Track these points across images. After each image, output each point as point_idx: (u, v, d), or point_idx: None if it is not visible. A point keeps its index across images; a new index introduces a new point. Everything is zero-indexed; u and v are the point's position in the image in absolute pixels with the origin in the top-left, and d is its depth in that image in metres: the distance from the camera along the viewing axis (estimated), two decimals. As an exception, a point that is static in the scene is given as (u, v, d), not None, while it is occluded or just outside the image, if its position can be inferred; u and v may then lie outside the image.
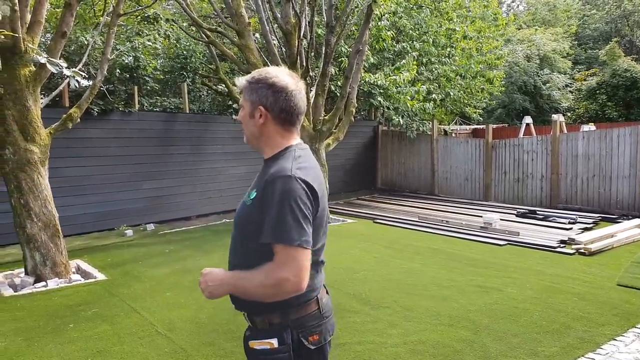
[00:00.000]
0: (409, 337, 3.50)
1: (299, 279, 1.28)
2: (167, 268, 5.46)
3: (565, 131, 10.43)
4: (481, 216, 7.72)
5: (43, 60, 3.70)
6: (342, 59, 10.00)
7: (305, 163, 1.41)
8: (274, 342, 1.37)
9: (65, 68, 3.82)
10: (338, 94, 8.94)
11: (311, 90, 8.17)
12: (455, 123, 15.85)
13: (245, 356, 1.49)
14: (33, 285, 4.75)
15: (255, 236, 1.36)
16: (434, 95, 11.35)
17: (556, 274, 5.02)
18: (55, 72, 3.67)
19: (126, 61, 7.98)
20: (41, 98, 5.07)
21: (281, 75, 1.44)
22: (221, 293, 1.42)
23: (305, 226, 1.30)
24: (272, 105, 1.42)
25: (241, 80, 1.49)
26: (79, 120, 5.36)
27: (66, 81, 5.61)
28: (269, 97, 1.42)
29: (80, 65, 5.20)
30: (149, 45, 8.31)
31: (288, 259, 1.28)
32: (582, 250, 5.85)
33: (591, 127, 12.02)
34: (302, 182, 1.33)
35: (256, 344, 1.40)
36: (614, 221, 7.60)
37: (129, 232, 7.36)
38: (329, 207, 8.30)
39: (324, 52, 7.63)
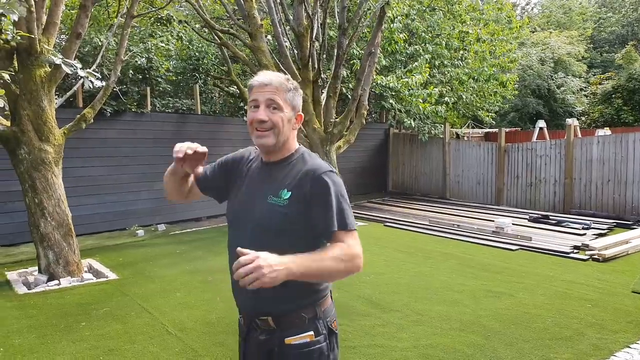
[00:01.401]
0: (419, 341, 3.46)
1: (362, 257, 1.41)
2: (178, 268, 5.49)
3: (580, 135, 10.28)
4: (493, 221, 7.64)
5: (58, 61, 3.76)
6: (354, 61, 9.99)
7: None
8: (311, 333, 1.46)
9: (80, 69, 3.88)
10: (349, 97, 8.93)
11: (322, 92, 8.17)
12: (468, 126, 15.72)
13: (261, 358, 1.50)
14: (46, 283, 4.82)
15: (293, 233, 1.42)
16: (446, 98, 11.27)
17: (569, 280, 4.94)
18: (70, 72, 3.73)
19: (139, 62, 8.07)
20: (56, 98, 5.14)
21: None
22: (285, 278, 1.28)
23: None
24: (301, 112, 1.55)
25: (278, 81, 1.46)
26: (92, 120, 5.42)
27: (80, 82, 5.68)
28: (301, 105, 1.55)
29: (94, 66, 5.27)
30: (162, 46, 8.41)
31: (354, 241, 1.40)
32: (596, 257, 5.75)
33: (606, 131, 11.83)
34: (339, 176, 1.49)
35: (294, 339, 1.46)
36: (629, 227, 7.47)
37: (140, 232, 7.42)
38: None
39: (335, 54, 7.62)
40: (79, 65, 3.97)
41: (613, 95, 18.00)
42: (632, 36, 23.33)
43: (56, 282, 4.82)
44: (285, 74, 1.62)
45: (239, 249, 1.29)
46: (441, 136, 11.20)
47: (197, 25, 9.96)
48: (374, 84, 9.58)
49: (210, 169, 1.69)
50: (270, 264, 1.25)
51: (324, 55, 8.21)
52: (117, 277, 5.14)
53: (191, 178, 1.69)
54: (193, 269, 5.44)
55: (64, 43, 5.51)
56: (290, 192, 1.43)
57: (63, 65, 3.77)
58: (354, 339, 3.49)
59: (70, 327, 3.76)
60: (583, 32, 23.89)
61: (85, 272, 5.24)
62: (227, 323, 3.81)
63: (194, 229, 7.94)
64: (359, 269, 1.41)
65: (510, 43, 13.71)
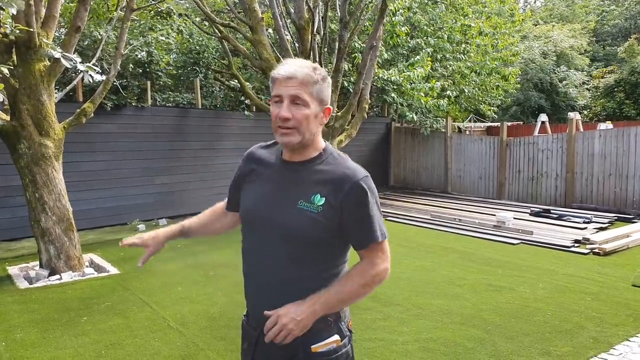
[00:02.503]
0: (420, 334, 3.47)
1: (390, 266, 1.38)
2: (179, 263, 5.50)
3: (582, 129, 10.24)
4: (494, 215, 7.63)
5: (57, 55, 3.74)
6: (356, 54, 9.93)
7: None
8: (337, 338, 1.38)
9: (79, 63, 3.86)
10: (351, 90, 8.90)
11: (323, 86, 8.13)
12: (470, 120, 15.67)
13: None
14: (47, 278, 4.83)
15: (327, 244, 1.34)
16: (448, 92, 11.22)
17: (570, 273, 4.94)
18: (70, 66, 3.71)
19: (139, 56, 8.03)
20: (55, 93, 5.13)
21: None
22: (312, 320, 1.31)
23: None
24: (331, 106, 1.40)
25: (304, 72, 1.31)
26: (92, 115, 5.41)
27: (80, 76, 5.66)
28: (330, 97, 1.38)
29: (94, 60, 5.25)
30: (162, 40, 8.36)
31: (384, 252, 1.37)
32: (596, 250, 5.75)
33: (608, 125, 11.78)
34: (371, 180, 1.38)
35: (320, 347, 1.36)
36: (630, 221, 7.46)
37: (142, 226, 7.43)
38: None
39: (337, 47, 7.58)
40: (79, 59, 3.95)
41: (615, 89, 17.91)
42: (635, 29, 23.15)
43: (57, 276, 4.84)
44: (314, 62, 1.49)
45: (265, 312, 1.32)
46: (443, 130, 11.16)
47: (197, 19, 9.90)
48: (376, 77, 9.54)
49: (231, 191, 1.60)
50: (294, 318, 1.28)
51: (326, 49, 8.16)
52: (118, 271, 5.15)
53: (211, 219, 1.69)
54: (194, 264, 5.45)
55: (63, 37, 5.47)
56: (324, 198, 1.31)
57: (62, 59, 3.75)
58: (355, 332, 3.50)
59: (72, 321, 3.78)
60: (586, 25, 23.72)
61: (87, 266, 5.25)
62: (228, 317, 3.82)
63: (195, 224, 7.94)
64: (385, 279, 1.39)
65: (513, 36, 13.63)
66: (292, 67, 1.32)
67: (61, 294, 4.42)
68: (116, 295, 4.38)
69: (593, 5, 26.26)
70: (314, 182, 1.34)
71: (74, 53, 4.74)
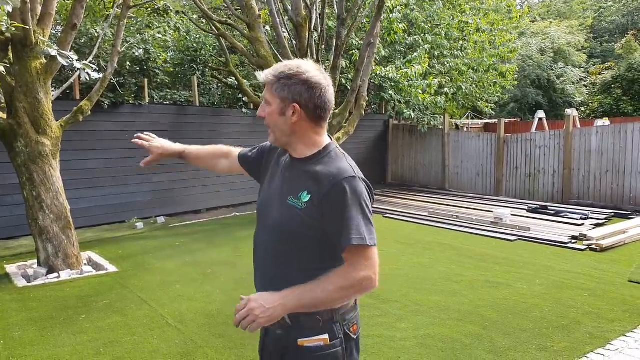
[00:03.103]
0: (417, 331, 3.49)
1: (376, 276, 1.32)
2: (177, 260, 5.50)
3: (579, 126, 10.27)
4: (492, 211, 7.65)
5: (54, 53, 3.73)
6: (353, 51, 9.92)
7: (353, 162, 1.41)
8: (326, 337, 1.38)
9: (76, 60, 3.84)
10: (349, 88, 8.89)
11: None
12: (467, 117, 15.69)
13: (271, 356, 1.48)
14: (46, 276, 4.82)
15: (312, 240, 1.35)
16: (445, 89, 11.22)
17: (567, 269, 4.96)
18: (66, 64, 3.69)
19: (136, 54, 8.01)
20: (52, 91, 5.11)
21: (312, 70, 1.38)
22: (282, 314, 1.33)
23: (373, 224, 1.33)
24: (307, 102, 1.37)
25: (266, 75, 1.39)
26: (89, 112, 5.40)
27: (77, 74, 5.64)
28: (304, 93, 1.36)
29: (90, 58, 5.23)
30: (159, 37, 8.34)
31: (366, 259, 1.30)
32: (593, 247, 5.78)
33: (605, 122, 11.81)
34: (364, 182, 1.36)
35: (307, 342, 1.38)
36: (626, 217, 7.49)
37: (140, 224, 7.43)
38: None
39: (334, 44, 7.57)
40: (75, 57, 3.93)
41: (612, 86, 17.96)
42: (632, 26, 23.20)
43: (56, 275, 4.83)
44: (312, 59, 1.49)
45: (240, 296, 1.36)
46: (440, 127, 11.18)
47: (194, 16, 9.87)
48: (373, 74, 9.54)
49: (252, 150, 1.69)
50: (262, 304, 1.29)
51: (323, 46, 8.15)
52: (116, 269, 5.15)
53: (210, 153, 1.82)
54: (192, 261, 5.46)
55: (59, 34, 5.45)
56: (309, 196, 1.33)
57: (59, 57, 3.74)
58: (352, 329, 3.52)
59: (70, 319, 3.78)
60: (583, 21, 23.76)
61: (85, 264, 5.25)
62: (226, 315, 3.83)
63: (193, 221, 7.94)
64: (370, 288, 1.33)
65: (510, 33, 13.62)
66: (263, 72, 1.41)
67: (59, 292, 4.42)
68: (114, 293, 4.38)
69: (590, 2, 26.29)
70: (304, 179, 1.37)
71: (70, 51, 4.72)
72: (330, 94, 1.41)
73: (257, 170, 1.62)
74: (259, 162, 1.61)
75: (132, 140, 1.86)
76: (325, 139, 1.44)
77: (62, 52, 3.86)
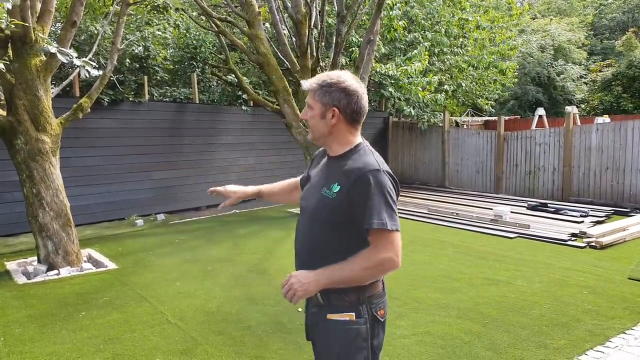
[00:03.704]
0: (417, 328, 3.49)
1: (399, 257, 1.49)
2: (177, 258, 5.51)
3: (579, 123, 10.26)
4: (492, 209, 7.65)
5: (53, 50, 3.72)
6: (353, 49, 9.90)
7: (380, 158, 1.60)
8: (352, 314, 1.56)
9: (76, 58, 3.83)
10: (348, 85, 8.84)
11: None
12: (467, 115, 15.67)
13: (307, 333, 1.73)
14: (46, 273, 4.83)
15: (342, 226, 1.53)
16: (445, 86, 11.21)
17: (566, 267, 4.97)
18: (66, 61, 3.69)
19: (136, 51, 7.99)
20: (52, 88, 5.11)
21: (350, 79, 1.59)
22: (316, 289, 1.52)
23: (395, 212, 1.51)
24: (345, 107, 1.58)
25: (310, 83, 1.60)
26: (89, 110, 5.39)
27: (76, 71, 5.64)
28: (342, 99, 1.57)
29: (90, 55, 5.22)
30: (159, 34, 8.32)
31: (388, 242, 1.47)
32: (593, 244, 5.78)
33: (605, 119, 11.80)
34: (388, 175, 1.53)
35: (335, 316, 1.57)
36: (626, 214, 7.49)
37: (140, 221, 7.43)
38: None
39: (334, 41, 7.56)
40: (75, 54, 3.92)
41: (613, 83, 17.93)
42: (633, 23, 23.14)
43: (55, 272, 4.84)
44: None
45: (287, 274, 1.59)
46: (440, 124, 11.17)
47: (194, 13, 9.84)
48: (373, 72, 9.52)
49: (306, 173, 1.90)
50: (300, 280, 1.52)
51: (323, 43, 8.13)
52: (116, 266, 5.15)
53: (286, 188, 2.03)
54: (192, 259, 5.46)
55: (59, 31, 5.44)
56: (339, 187, 1.53)
57: (58, 54, 3.72)
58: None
59: (70, 316, 3.79)
60: (583, 18, 23.70)
61: (85, 261, 5.26)
62: (226, 312, 3.84)
63: (193, 219, 7.95)
64: (393, 269, 1.50)
65: (510, 30, 13.60)
66: (307, 81, 1.63)
67: (59, 289, 4.43)
68: (114, 290, 4.39)
69: (591, -1, 26.23)
70: (337, 173, 1.57)
71: (70, 48, 4.71)
72: (365, 100, 1.62)
73: None
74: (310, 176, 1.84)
75: (208, 192, 2.10)
76: (357, 139, 1.64)
77: (61, 49, 3.84)
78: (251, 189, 2.02)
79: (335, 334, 1.57)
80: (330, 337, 1.58)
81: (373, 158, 1.56)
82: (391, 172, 1.55)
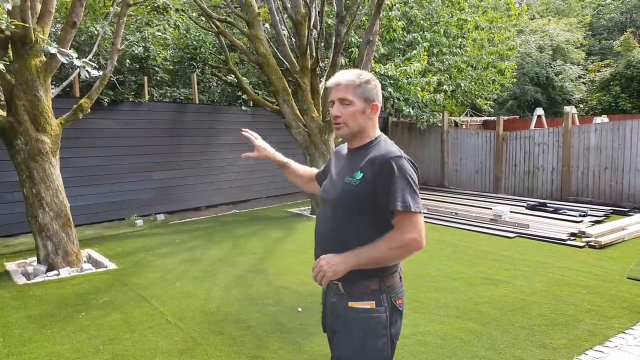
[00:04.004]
0: (416, 328, 3.50)
1: (422, 238, 1.57)
2: (177, 258, 5.51)
3: (577, 123, 10.27)
4: (491, 208, 7.67)
5: (53, 51, 3.73)
6: (353, 49, 9.92)
7: (397, 147, 1.70)
8: (373, 303, 1.62)
9: (76, 58, 3.84)
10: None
11: (321, 81, 8.12)
12: (466, 115, 15.68)
13: (324, 324, 1.80)
14: (45, 273, 4.83)
15: (365, 211, 1.61)
16: (444, 87, 11.22)
17: (566, 266, 4.98)
18: (66, 62, 3.69)
19: (136, 51, 8.00)
20: (52, 88, 5.11)
21: (375, 77, 1.75)
22: (344, 269, 1.58)
23: (418, 195, 1.59)
24: (378, 102, 1.72)
25: (347, 80, 1.67)
26: (89, 110, 5.39)
27: (77, 71, 5.64)
28: (378, 95, 1.72)
29: (90, 56, 5.22)
30: (159, 35, 8.32)
31: (412, 223, 1.55)
32: (592, 243, 5.79)
33: (604, 119, 11.82)
34: (409, 162, 1.63)
35: (356, 304, 1.63)
36: (625, 214, 7.51)
37: (139, 222, 7.43)
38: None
39: (334, 42, 7.57)
40: (75, 55, 3.92)
41: (611, 83, 17.95)
42: (631, 23, 23.19)
43: (55, 272, 4.84)
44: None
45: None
46: (440, 124, 11.18)
47: (194, 14, 9.85)
48: (373, 72, 9.53)
49: (323, 169, 1.99)
50: (329, 262, 1.58)
51: (322, 44, 8.14)
52: (116, 267, 5.16)
53: (304, 174, 2.09)
54: (192, 259, 5.47)
55: (59, 32, 5.44)
56: (362, 174, 1.61)
57: (58, 55, 3.73)
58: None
59: (69, 317, 3.79)
60: (582, 19, 23.73)
61: (85, 262, 5.26)
62: (226, 312, 3.85)
63: (193, 219, 7.95)
64: (417, 249, 1.57)
65: (509, 30, 13.62)
66: (338, 77, 1.70)
67: (59, 289, 4.43)
68: (114, 291, 4.39)
69: (589, -1, 26.27)
70: (359, 162, 1.66)
71: (70, 48, 4.72)
72: None
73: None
74: (327, 173, 1.89)
75: (242, 131, 2.17)
76: (378, 132, 1.75)
77: (61, 49, 3.85)
78: (279, 156, 2.07)
79: (356, 322, 1.62)
80: (351, 325, 1.63)
81: (394, 147, 1.67)
82: (411, 159, 1.65)
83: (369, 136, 1.72)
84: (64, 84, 5.64)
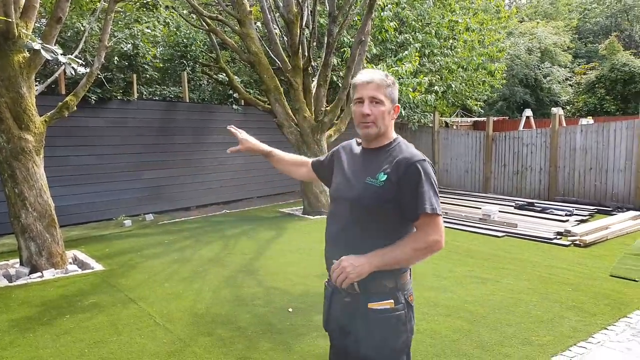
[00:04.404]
0: (406, 328, 3.50)
1: (443, 239, 1.60)
2: (166, 258, 5.45)
3: (564, 124, 10.40)
4: (480, 208, 7.72)
5: (37, 47, 3.65)
6: (345, 49, 9.91)
7: None
8: (392, 302, 1.64)
9: (61, 55, 3.77)
10: (340, 85, 8.88)
11: (313, 80, 8.11)
12: (457, 115, 15.78)
13: (328, 323, 1.78)
14: (28, 275, 4.73)
15: (386, 212, 1.61)
16: (435, 87, 11.27)
17: (552, 265, 5.03)
18: (50, 58, 3.62)
19: (125, 49, 7.90)
20: (36, 85, 5.01)
21: None
22: (368, 270, 1.57)
23: (438, 198, 1.63)
24: (397, 103, 1.74)
25: (381, 79, 1.66)
26: (75, 108, 5.30)
27: (62, 68, 5.54)
28: (398, 96, 1.74)
29: (76, 52, 5.14)
30: (148, 32, 8.22)
31: (436, 225, 1.58)
32: (577, 242, 5.87)
33: (589, 120, 11.98)
34: (431, 165, 1.66)
35: (376, 305, 1.63)
36: (609, 213, 7.63)
37: (128, 222, 7.34)
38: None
39: (326, 42, 7.56)
40: (60, 51, 3.85)
41: (596, 85, 18.23)
42: (616, 27, 23.59)
43: (39, 274, 4.75)
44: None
45: (333, 261, 1.63)
46: (430, 125, 11.24)
47: (184, 11, 9.76)
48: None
49: (325, 157, 1.97)
50: (352, 263, 1.57)
51: (314, 43, 8.12)
52: (103, 268, 5.08)
53: (294, 161, 2.07)
54: (181, 259, 5.41)
55: (44, 28, 5.34)
56: (386, 176, 1.62)
57: (42, 51, 3.66)
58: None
59: (53, 320, 3.71)
60: (569, 22, 24.05)
61: (70, 263, 5.17)
62: (215, 313, 3.81)
63: (182, 219, 7.88)
64: (438, 249, 1.60)
65: (499, 32, 13.74)
66: (369, 74, 1.69)
67: (42, 292, 4.34)
68: (100, 293, 4.32)
69: (576, 3, 26.62)
70: (381, 163, 1.66)
71: (55, 44, 4.63)
72: None
73: (329, 173, 1.89)
74: (330, 167, 1.89)
75: (228, 127, 2.16)
76: (394, 133, 1.76)
77: (46, 45, 3.78)
78: (263, 146, 2.07)
79: (377, 322, 1.63)
80: (371, 326, 1.63)
81: (415, 149, 1.69)
82: (430, 160, 1.70)
83: (387, 137, 1.73)
84: (49, 80, 5.54)
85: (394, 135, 1.75)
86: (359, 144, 1.83)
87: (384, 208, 1.61)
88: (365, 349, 1.64)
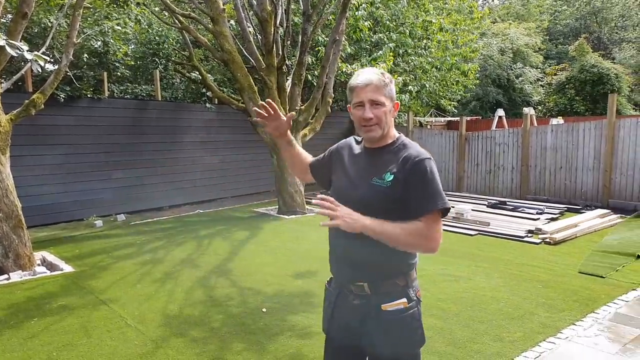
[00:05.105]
0: (380, 325, 3.53)
1: (439, 244, 1.58)
2: (138, 259, 5.35)
3: (536, 124, 10.70)
4: (454, 207, 7.86)
5: (2, 43, 3.51)
6: (319, 48, 9.93)
7: None
8: (405, 300, 1.64)
9: (27, 51, 3.64)
10: (315, 84, 8.88)
11: (287, 79, 8.08)
12: (431, 115, 16.03)
13: (328, 323, 1.76)
14: (-5, 277, 4.58)
15: (393, 211, 1.57)
16: (410, 87, 11.42)
17: (523, 262, 5.17)
18: (15, 55, 3.49)
19: (95, 46, 7.70)
20: (1, 82, 4.83)
21: None
22: (360, 228, 1.52)
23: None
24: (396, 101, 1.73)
25: (378, 80, 1.63)
26: (42, 106, 5.14)
27: (28, 65, 5.36)
28: (396, 94, 1.72)
29: (43, 49, 4.98)
30: (119, 29, 8.03)
31: (437, 222, 1.58)
32: (547, 240, 6.04)
33: (559, 120, 12.37)
34: (434, 163, 1.65)
35: (389, 307, 1.63)
36: (578, 211, 7.87)
37: (99, 222, 7.17)
38: (305, 198, 8.28)
39: (300, 40, 7.55)
40: (26, 47, 3.72)
41: (566, 86, 18.80)
42: (585, 29, 24.41)
43: (5, 276, 4.60)
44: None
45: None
46: (405, 125, 11.37)
47: (156, 8, 9.58)
48: (339, 72, 9.57)
49: (322, 156, 1.92)
50: (350, 213, 1.52)
51: (289, 42, 8.10)
52: (73, 269, 4.95)
53: (303, 159, 1.96)
54: (154, 260, 5.32)
55: (9, 23, 5.15)
56: (393, 175, 1.60)
57: (7, 47, 3.52)
58: (315, 325, 3.52)
59: (20, 323, 3.60)
60: (540, 24, 24.73)
61: (38, 265, 5.02)
62: (188, 314, 3.76)
63: (155, 219, 7.74)
64: (433, 251, 1.58)
65: (472, 33, 14.00)
66: (366, 76, 1.64)
67: (9, 294, 4.20)
68: (70, 295, 4.21)
69: (547, 5, 27.40)
70: (387, 163, 1.64)
71: (21, 41, 4.47)
72: None
73: (327, 173, 1.85)
74: (328, 166, 1.86)
75: (260, 102, 2.02)
76: (395, 130, 1.74)
77: (10, 42, 3.64)
78: (289, 135, 1.91)
79: (393, 323, 1.63)
80: (386, 326, 1.63)
81: (420, 147, 1.68)
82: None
83: (390, 136, 1.71)
84: (14, 78, 5.35)
85: (396, 133, 1.74)
86: (358, 142, 1.80)
87: (390, 208, 1.59)
88: (382, 348, 1.64)
